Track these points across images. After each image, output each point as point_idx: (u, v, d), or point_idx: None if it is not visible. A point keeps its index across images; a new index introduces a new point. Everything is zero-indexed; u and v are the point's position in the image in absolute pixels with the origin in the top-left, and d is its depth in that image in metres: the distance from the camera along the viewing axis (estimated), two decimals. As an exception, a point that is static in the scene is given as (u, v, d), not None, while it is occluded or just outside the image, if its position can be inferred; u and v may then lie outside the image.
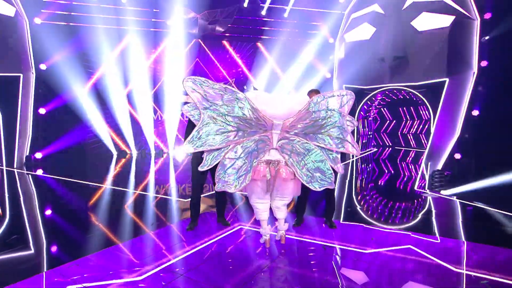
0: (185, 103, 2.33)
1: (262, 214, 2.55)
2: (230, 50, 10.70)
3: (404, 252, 2.64)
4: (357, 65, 8.26)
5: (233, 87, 2.38)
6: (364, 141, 10.65)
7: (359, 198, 4.68)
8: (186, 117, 2.46)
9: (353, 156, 8.94)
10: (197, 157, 2.53)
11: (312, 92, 3.02)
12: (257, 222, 3.22)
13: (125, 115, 9.78)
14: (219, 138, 2.18)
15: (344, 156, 2.67)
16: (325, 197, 3.10)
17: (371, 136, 11.82)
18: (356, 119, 9.32)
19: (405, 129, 12.02)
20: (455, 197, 4.51)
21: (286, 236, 2.83)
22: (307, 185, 2.36)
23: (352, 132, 2.50)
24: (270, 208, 2.66)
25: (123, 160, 8.82)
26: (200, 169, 2.24)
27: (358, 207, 4.13)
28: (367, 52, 8.08)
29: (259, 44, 10.79)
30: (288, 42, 10.57)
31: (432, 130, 7.16)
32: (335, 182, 2.49)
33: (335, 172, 2.49)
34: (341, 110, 2.33)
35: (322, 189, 2.38)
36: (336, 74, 9.24)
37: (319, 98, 2.30)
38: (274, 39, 10.58)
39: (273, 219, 2.89)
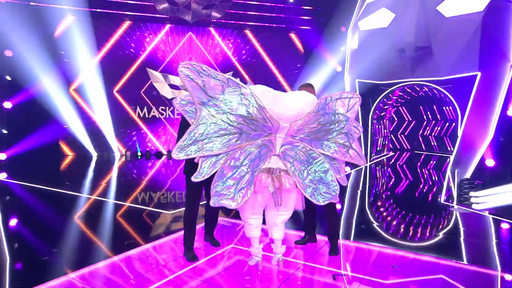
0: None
1: (255, 230, 2.43)
2: (217, 38, 10.65)
3: (436, 284, 2.44)
4: (373, 57, 8.10)
5: (236, 79, 2.23)
6: (379, 145, 10.52)
7: (373, 211, 4.57)
8: (179, 114, 2.26)
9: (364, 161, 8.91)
10: (191, 165, 2.36)
11: (303, 87, 2.94)
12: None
13: (104, 110, 9.60)
14: (218, 142, 2.04)
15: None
16: (324, 212, 2.93)
17: (387, 138, 11.68)
18: (370, 118, 9.50)
19: (426, 131, 11.87)
20: (487, 212, 4.38)
21: (284, 258, 2.71)
22: (309, 198, 2.30)
23: (358, 139, 2.51)
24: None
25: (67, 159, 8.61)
26: (194, 179, 2.06)
27: (373, 223, 4.00)
28: (384, 42, 7.89)
29: (247, 32, 10.65)
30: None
31: (460, 132, 6.93)
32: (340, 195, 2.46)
33: (339, 184, 2.46)
34: (347, 114, 2.34)
35: (325, 203, 2.34)
36: (348, 67, 9.07)
37: (326, 100, 2.28)
38: (276, 27, 10.42)
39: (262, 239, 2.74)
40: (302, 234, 3.28)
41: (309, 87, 2.91)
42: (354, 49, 8.85)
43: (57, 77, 8.78)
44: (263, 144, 2.22)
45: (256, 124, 2.14)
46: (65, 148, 9.63)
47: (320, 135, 2.30)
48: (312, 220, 3.16)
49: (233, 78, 2.10)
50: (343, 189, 5.60)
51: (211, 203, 2.13)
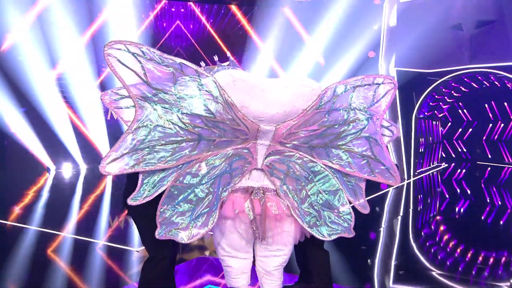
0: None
1: (237, 278, 2.25)
2: (198, 13, 10.72)
3: None
4: (417, 37, 7.91)
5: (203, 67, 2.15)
6: (426, 154, 10.25)
7: (419, 245, 4.38)
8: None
9: (407, 176, 8.70)
10: (132, 182, 2.21)
11: None
12: None
13: (57, 112, 9.55)
14: (166, 152, 1.99)
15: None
16: (306, 244, 2.51)
17: (438, 145, 11.40)
18: (413, 119, 9.13)
19: (493, 135, 11.59)
20: None
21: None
22: (308, 230, 2.18)
23: (397, 145, 2.25)
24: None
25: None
26: (130, 202, 1.98)
27: (420, 264, 3.79)
28: (433, 16, 7.66)
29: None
30: (308, 5, 10.28)
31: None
32: (354, 227, 2.28)
33: (355, 211, 2.29)
34: (372, 109, 2.16)
35: (334, 237, 2.22)
36: (384, 52, 8.92)
37: (337, 89, 2.11)
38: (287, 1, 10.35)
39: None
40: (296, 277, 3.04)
41: None
42: (391, 28, 8.69)
43: None
44: (236, 154, 2.12)
45: (223, 128, 2.05)
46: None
47: (325, 140, 2.16)
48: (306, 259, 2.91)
49: (188, 63, 1.97)
50: (374, 216, 5.42)
51: (157, 235, 2.04)
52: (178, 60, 1.94)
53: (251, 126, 2.05)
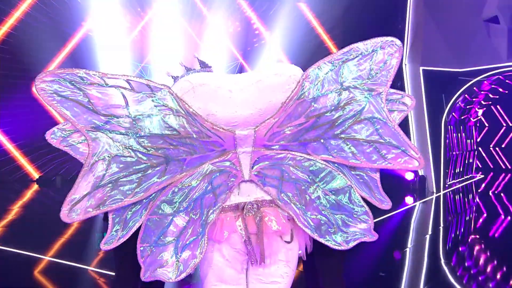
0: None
1: None
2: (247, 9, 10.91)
3: None
4: (446, 32, 7.92)
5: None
6: (459, 163, 10.08)
7: (451, 268, 4.33)
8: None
9: (436, 189, 8.59)
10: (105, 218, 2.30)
11: None
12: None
13: None
14: (131, 183, 1.99)
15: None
16: (318, 268, 2.52)
17: (472, 153, 11.22)
18: (443, 124, 8.93)
19: None
20: None
21: None
22: (321, 240, 2.10)
23: (425, 154, 2.13)
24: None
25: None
26: (103, 247, 2.00)
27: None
28: (464, 7, 7.62)
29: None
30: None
31: None
32: (374, 248, 2.28)
33: (372, 208, 2.16)
34: (373, 83, 2.00)
35: (352, 245, 2.11)
36: (408, 50, 8.91)
37: (322, 68, 2.00)
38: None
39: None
40: None
41: None
42: (417, 22, 8.59)
43: None
44: (217, 169, 2.06)
45: (191, 143, 2.01)
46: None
47: (319, 132, 2.05)
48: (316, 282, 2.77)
49: (135, 78, 1.95)
50: (398, 236, 5.25)
51: (143, 277, 2.01)
52: (124, 77, 1.94)
53: (225, 134, 2.00)
